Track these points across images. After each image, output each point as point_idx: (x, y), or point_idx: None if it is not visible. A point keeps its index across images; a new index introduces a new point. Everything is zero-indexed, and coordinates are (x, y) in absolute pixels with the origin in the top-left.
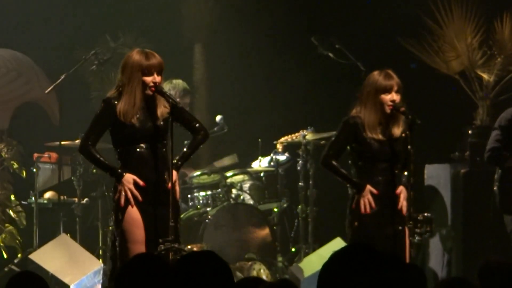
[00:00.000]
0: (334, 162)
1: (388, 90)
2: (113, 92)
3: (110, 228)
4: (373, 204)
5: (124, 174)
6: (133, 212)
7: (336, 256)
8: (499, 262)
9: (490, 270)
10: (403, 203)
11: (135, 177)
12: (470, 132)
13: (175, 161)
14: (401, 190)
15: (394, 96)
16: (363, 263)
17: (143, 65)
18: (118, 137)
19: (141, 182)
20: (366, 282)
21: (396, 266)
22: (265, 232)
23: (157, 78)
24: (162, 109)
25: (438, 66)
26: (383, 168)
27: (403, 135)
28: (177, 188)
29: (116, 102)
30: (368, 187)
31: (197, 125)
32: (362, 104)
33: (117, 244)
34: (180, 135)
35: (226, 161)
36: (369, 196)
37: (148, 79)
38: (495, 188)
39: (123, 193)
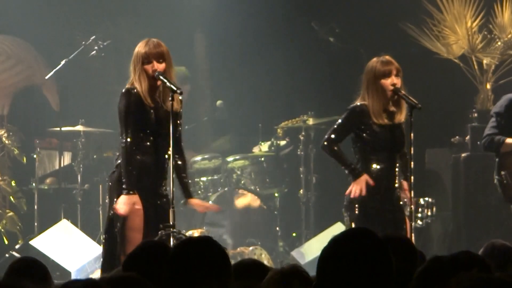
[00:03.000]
0: (335, 147)
1: (387, 75)
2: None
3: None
4: (363, 192)
5: (134, 193)
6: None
7: (335, 241)
8: (502, 245)
9: (493, 252)
10: (406, 194)
11: (136, 201)
12: (470, 116)
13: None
14: (403, 185)
15: (394, 80)
16: (363, 247)
17: (142, 54)
18: (123, 128)
19: (138, 206)
20: (365, 267)
21: (396, 250)
22: (266, 217)
23: (157, 66)
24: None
25: (438, 50)
26: (386, 155)
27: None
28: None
29: (135, 91)
30: (365, 176)
31: (181, 148)
32: (364, 93)
33: (115, 230)
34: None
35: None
36: (363, 185)
37: (148, 67)
38: (495, 181)
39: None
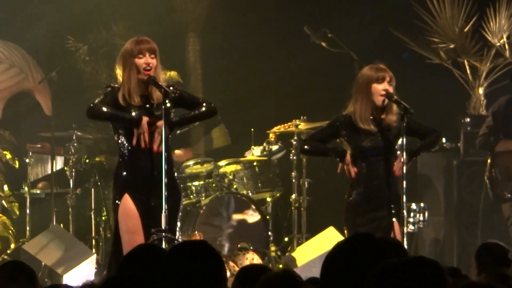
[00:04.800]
0: (310, 141)
1: (380, 80)
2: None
3: (103, 218)
4: (355, 168)
5: (142, 117)
6: (127, 203)
7: (339, 247)
8: (494, 244)
9: (486, 251)
10: (398, 165)
11: (147, 119)
12: (463, 121)
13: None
14: (400, 156)
15: (387, 86)
16: (367, 253)
17: (133, 49)
18: (117, 127)
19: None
20: (370, 273)
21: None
22: (258, 221)
23: (150, 59)
24: (161, 100)
25: (430, 55)
26: (377, 160)
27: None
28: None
29: (117, 91)
30: (348, 154)
31: (200, 100)
32: (354, 98)
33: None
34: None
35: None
36: (350, 163)
37: (140, 61)
38: (485, 178)
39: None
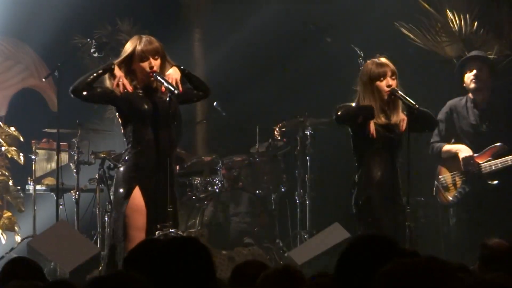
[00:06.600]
0: (342, 108)
1: (382, 77)
2: None
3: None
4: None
5: (113, 63)
6: (137, 198)
7: (354, 245)
8: (497, 244)
9: (488, 251)
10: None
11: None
12: None
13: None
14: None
15: (390, 81)
16: (382, 252)
17: (138, 51)
18: (125, 119)
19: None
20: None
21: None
22: (263, 217)
23: (154, 62)
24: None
25: (435, 50)
26: (384, 154)
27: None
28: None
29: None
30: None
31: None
32: (361, 95)
33: (113, 228)
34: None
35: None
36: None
37: (145, 64)
38: (435, 184)
39: (120, 81)
